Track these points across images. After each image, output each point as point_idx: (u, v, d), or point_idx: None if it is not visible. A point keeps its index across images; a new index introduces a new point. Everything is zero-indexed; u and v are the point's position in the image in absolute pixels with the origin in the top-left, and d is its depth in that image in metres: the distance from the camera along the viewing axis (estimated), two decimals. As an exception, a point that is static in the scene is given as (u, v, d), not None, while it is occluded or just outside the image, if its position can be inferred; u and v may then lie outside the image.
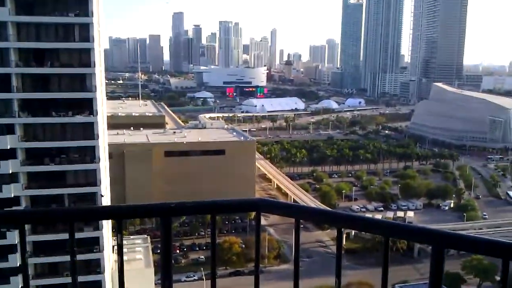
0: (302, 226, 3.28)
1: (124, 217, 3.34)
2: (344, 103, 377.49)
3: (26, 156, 56.04)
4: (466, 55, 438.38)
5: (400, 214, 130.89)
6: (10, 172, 54.32)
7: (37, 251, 54.69)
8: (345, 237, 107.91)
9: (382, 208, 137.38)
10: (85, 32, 55.71)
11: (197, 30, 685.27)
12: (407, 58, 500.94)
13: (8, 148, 53.88)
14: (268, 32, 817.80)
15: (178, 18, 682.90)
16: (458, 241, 2.78)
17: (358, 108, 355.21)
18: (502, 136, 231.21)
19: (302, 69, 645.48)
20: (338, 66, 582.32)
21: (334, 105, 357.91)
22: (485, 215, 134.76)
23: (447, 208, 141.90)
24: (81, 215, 3.39)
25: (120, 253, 3.28)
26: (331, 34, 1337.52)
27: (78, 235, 3.09)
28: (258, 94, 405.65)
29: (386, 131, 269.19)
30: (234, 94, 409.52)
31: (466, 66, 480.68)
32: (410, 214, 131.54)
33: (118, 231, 3.24)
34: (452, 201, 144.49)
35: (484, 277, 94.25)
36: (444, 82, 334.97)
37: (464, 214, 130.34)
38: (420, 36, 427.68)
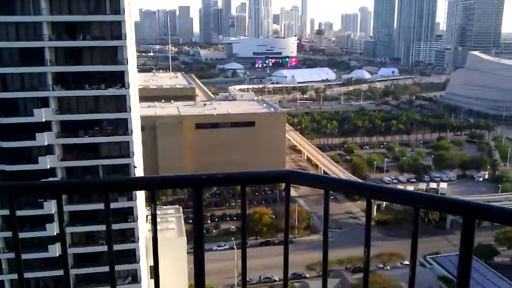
0: (332, 197, 3.31)
1: (157, 187, 3.38)
2: (376, 73, 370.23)
3: (61, 128, 57.30)
4: (504, 23, 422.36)
5: (433, 185, 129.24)
6: (46, 144, 55.72)
7: (73, 221, 56.45)
8: (376, 208, 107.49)
9: (414, 180, 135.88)
10: (116, 5, 55.89)
11: (227, 0, 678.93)
12: (442, 26, 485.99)
13: (43, 120, 55.17)
14: (299, 1, 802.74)
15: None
16: (488, 212, 2.76)
17: (391, 78, 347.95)
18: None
19: (333, 39, 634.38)
20: (371, 35, 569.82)
21: (367, 75, 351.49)
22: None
23: (481, 179, 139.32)
24: (116, 185, 3.46)
25: (153, 223, 3.36)
26: (363, 2, 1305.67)
27: (113, 205, 3.19)
28: (287, 65, 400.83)
29: (420, 101, 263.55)
30: (264, 64, 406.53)
31: (504, 34, 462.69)
32: (443, 185, 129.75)
33: (151, 201, 3.32)
34: (487, 172, 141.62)
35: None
36: (480, 50, 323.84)
37: (499, 185, 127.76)
38: (457, 3, 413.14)
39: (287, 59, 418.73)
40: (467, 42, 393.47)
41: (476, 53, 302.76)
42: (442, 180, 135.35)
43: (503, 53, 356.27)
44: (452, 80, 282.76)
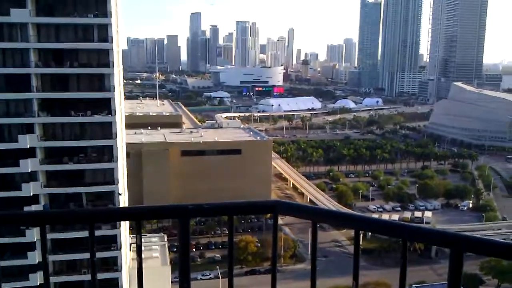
0: (318, 225, 3.32)
1: (143, 218, 3.36)
2: (361, 103, 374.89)
3: (45, 155, 56.82)
4: (485, 54, 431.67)
5: (418, 214, 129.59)
6: (30, 170, 55.10)
7: (55, 249, 55.41)
8: (362, 237, 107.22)
9: (399, 208, 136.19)
10: (104, 33, 56.31)
11: (214, 30, 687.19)
12: (425, 57, 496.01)
13: (28, 147, 54.68)
14: (285, 31, 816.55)
15: (195, 18, 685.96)
16: (477, 245, 2.76)
17: (376, 108, 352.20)
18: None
19: (319, 69, 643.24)
20: (356, 65, 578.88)
21: (351, 105, 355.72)
22: (505, 217, 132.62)
23: (465, 208, 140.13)
24: (101, 216, 3.42)
25: (139, 254, 3.32)
26: (348, 33, 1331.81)
27: (96, 233, 3.16)
28: (272, 94, 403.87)
29: (404, 131, 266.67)
30: (251, 93, 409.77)
31: (486, 65, 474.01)
32: (428, 214, 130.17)
33: (137, 232, 3.28)
34: (471, 202, 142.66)
35: (502, 279, 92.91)
36: (463, 81, 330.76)
37: (483, 215, 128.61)
38: (439, 35, 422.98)
39: (269, 88, 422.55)
40: (449, 73, 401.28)
41: (459, 84, 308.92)
42: (426, 209, 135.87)
43: (485, 84, 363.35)
44: (435, 110, 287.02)
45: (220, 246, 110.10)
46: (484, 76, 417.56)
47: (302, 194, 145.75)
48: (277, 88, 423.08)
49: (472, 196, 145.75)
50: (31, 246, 53.68)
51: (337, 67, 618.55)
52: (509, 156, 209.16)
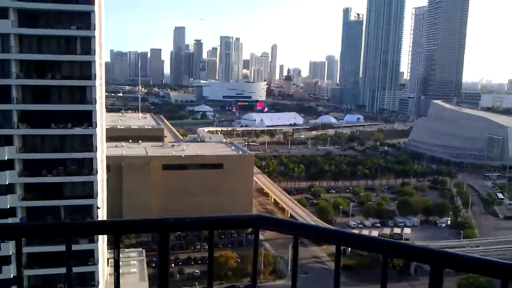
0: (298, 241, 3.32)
1: (122, 232, 3.30)
2: (343, 119, 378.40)
3: (24, 167, 55.98)
4: (465, 73, 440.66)
5: (397, 230, 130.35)
6: (7, 183, 54.17)
7: (31, 263, 54.28)
8: (342, 253, 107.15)
9: (379, 224, 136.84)
10: (87, 45, 56.07)
11: (198, 44, 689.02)
12: (406, 75, 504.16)
13: (6, 159, 53.81)
14: (269, 47, 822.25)
15: (179, 32, 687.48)
16: (457, 261, 2.79)
17: (357, 124, 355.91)
18: (500, 154, 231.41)
19: (301, 85, 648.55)
20: (338, 82, 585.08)
21: (333, 121, 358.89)
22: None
23: (444, 225, 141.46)
24: (79, 229, 3.36)
25: (116, 269, 3.28)
26: (331, 51, 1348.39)
27: (73, 247, 3.12)
28: (255, 109, 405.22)
29: (384, 147, 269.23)
30: (234, 108, 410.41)
31: (465, 83, 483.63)
32: (407, 230, 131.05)
33: (115, 246, 3.25)
34: (449, 219, 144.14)
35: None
36: (442, 99, 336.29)
37: (461, 231, 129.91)
38: (420, 54, 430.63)
39: (254, 103, 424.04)
40: (429, 91, 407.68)
41: (438, 102, 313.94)
42: (406, 226, 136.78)
43: (464, 102, 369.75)
44: (415, 128, 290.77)
45: (200, 262, 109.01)
46: (463, 94, 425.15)
47: (283, 209, 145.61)
48: (258, 103, 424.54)
49: (451, 213, 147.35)
50: (6, 260, 52.52)
51: (319, 83, 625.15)
52: (487, 174, 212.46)
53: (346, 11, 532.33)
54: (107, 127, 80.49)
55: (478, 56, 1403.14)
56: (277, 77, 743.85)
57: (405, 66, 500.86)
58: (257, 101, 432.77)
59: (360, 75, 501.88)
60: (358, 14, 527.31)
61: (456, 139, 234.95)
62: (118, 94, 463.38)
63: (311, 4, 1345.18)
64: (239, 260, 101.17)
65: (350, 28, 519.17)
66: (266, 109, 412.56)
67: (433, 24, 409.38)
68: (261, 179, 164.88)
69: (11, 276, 51.93)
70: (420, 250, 2.92)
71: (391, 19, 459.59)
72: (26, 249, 51.86)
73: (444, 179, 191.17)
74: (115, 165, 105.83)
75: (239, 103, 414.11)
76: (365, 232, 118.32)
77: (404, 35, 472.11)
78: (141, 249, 78.27)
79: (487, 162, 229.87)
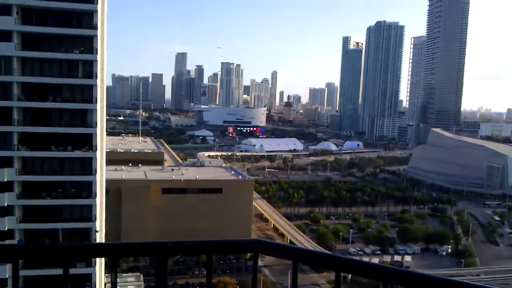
0: (298, 268, 3.30)
1: (120, 255, 3.26)
2: (342, 146, 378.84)
3: (23, 189, 55.84)
4: (464, 102, 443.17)
5: (398, 258, 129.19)
6: (6, 205, 53.96)
7: (27, 286, 53.64)
8: (342, 280, 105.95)
9: (379, 252, 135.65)
10: (89, 69, 56.63)
11: (200, 70, 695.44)
12: (405, 103, 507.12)
13: (5, 180, 53.72)
14: (269, 74, 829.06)
15: (181, 58, 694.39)
16: None
17: (356, 151, 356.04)
18: (499, 182, 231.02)
19: (301, 111, 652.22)
20: (337, 109, 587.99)
21: (333, 147, 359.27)
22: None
23: (444, 253, 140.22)
24: (76, 252, 3.27)
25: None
26: (330, 78, 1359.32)
27: (70, 270, 3.08)
28: (253, 134, 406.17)
29: (384, 174, 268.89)
30: (233, 133, 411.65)
31: (464, 112, 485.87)
32: (408, 258, 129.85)
33: (112, 269, 3.21)
34: (450, 247, 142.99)
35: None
36: (441, 127, 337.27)
37: (462, 260, 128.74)
38: (418, 82, 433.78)
39: (251, 129, 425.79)
40: (428, 119, 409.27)
41: (437, 130, 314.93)
42: (406, 253, 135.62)
43: (463, 130, 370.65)
44: (414, 155, 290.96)
45: (198, 287, 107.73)
46: (462, 123, 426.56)
47: (282, 235, 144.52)
48: (257, 129, 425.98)
49: (451, 241, 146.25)
50: (3, 283, 51.97)
51: (319, 110, 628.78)
52: (487, 202, 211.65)
53: (346, 40, 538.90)
54: (107, 151, 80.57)
55: (477, 85, 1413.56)
56: (277, 103, 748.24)
57: (404, 94, 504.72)
58: (257, 126, 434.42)
59: (360, 102, 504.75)
60: (357, 43, 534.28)
61: (456, 167, 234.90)
62: (119, 118, 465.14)
63: (311, 33, 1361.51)
64: (238, 287, 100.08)
65: (350, 56, 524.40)
66: (265, 135, 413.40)
67: (431, 54, 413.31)
68: (260, 204, 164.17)
69: (6, 300, 51.31)
70: (423, 277, 2.89)
71: (390, 49, 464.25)
72: (23, 272, 51.36)
73: (444, 207, 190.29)
74: (114, 189, 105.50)
75: (239, 129, 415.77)
76: (365, 259, 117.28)
77: (403, 63, 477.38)
78: (138, 273, 77.45)
79: (486, 190, 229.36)
